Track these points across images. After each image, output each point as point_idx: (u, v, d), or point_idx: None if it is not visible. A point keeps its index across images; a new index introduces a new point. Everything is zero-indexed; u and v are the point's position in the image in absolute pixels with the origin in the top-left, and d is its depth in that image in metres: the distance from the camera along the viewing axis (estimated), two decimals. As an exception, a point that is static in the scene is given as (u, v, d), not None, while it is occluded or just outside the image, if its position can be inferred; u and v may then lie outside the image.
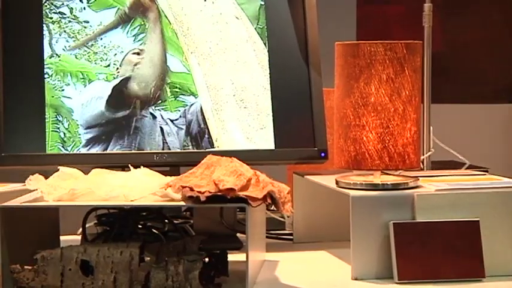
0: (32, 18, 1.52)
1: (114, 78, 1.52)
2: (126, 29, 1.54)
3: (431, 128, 1.78)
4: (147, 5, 1.54)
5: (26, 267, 1.21)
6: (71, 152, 1.49)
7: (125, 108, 1.51)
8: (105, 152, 1.49)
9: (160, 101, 1.52)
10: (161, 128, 1.51)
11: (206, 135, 1.51)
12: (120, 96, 1.51)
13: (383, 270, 1.31)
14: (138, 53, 1.53)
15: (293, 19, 1.56)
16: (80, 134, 1.49)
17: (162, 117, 1.51)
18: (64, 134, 1.49)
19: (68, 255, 1.21)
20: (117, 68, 1.52)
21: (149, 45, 1.53)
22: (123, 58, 1.52)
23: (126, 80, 1.51)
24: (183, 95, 1.53)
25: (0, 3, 1.50)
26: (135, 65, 1.52)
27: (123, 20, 1.53)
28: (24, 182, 1.28)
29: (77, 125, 1.50)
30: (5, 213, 1.21)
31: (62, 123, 1.50)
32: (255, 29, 1.55)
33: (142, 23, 1.54)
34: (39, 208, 1.29)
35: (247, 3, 1.56)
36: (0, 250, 1.20)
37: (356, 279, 1.31)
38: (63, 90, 1.51)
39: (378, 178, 1.38)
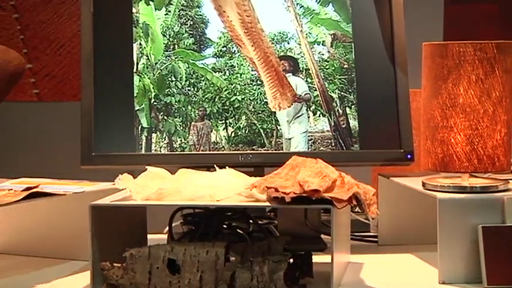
0: (122, 20, 1.55)
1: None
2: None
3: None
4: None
5: (115, 264, 1.23)
6: (159, 153, 1.52)
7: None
8: (191, 152, 1.52)
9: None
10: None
11: (282, 139, 1.52)
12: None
13: (471, 274, 1.28)
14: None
15: (379, 19, 1.54)
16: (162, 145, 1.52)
17: None
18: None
19: (155, 253, 1.22)
20: None
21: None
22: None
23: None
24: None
25: (92, 5, 1.54)
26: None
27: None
28: (113, 181, 1.31)
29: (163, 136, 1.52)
30: (96, 212, 1.24)
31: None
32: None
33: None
34: (127, 207, 1.31)
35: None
36: (91, 248, 1.23)
37: (444, 283, 1.29)
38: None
39: (466, 181, 1.35)
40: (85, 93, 1.52)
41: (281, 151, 1.52)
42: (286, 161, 1.32)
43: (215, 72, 1.55)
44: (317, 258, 1.30)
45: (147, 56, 1.55)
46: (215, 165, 1.39)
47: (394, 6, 1.54)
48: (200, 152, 1.52)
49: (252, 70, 1.54)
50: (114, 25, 1.55)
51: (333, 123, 1.53)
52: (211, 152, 1.52)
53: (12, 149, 3.22)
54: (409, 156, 1.50)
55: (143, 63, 1.55)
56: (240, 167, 1.43)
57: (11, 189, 1.35)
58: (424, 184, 1.37)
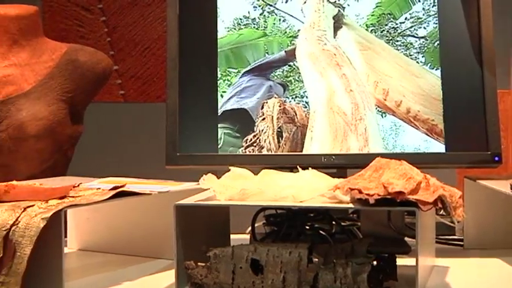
0: (207, 21, 1.57)
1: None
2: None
3: None
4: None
5: (199, 264, 1.24)
6: (242, 153, 1.53)
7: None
8: (274, 153, 1.52)
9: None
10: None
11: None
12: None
13: (562, 281, 1.24)
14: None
15: (467, 18, 1.51)
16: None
17: None
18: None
19: (238, 253, 1.23)
20: None
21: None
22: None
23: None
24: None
25: (177, 7, 1.57)
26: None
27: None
28: (196, 181, 1.32)
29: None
30: (180, 211, 1.26)
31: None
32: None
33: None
34: (211, 207, 1.32)
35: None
36: (175, 247, 1.24)
37: (532, 289, 1.25)
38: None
39: (556, 184, 1.31)
40: (170, 94, 1.54)
41: (364, 152, 1.51)
42: (370, 162, 1.30)
43: None
44: (401, 261, 1.28)
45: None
46: (298, 166, 1.39)
47: (482, 5, 1.51)
48: (283, 153, 1.52)
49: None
50: (200, 26, 1.57)
51: (417, 125, 1.51)
52: (294, 153, 1.52)
53: (99, 149, 3.30)
54: (496, 158, 1.47)
55: None
56: (323, 168, 1.42)
57: (99, 188, 1.38)
58: (512, 187, 1.34)
